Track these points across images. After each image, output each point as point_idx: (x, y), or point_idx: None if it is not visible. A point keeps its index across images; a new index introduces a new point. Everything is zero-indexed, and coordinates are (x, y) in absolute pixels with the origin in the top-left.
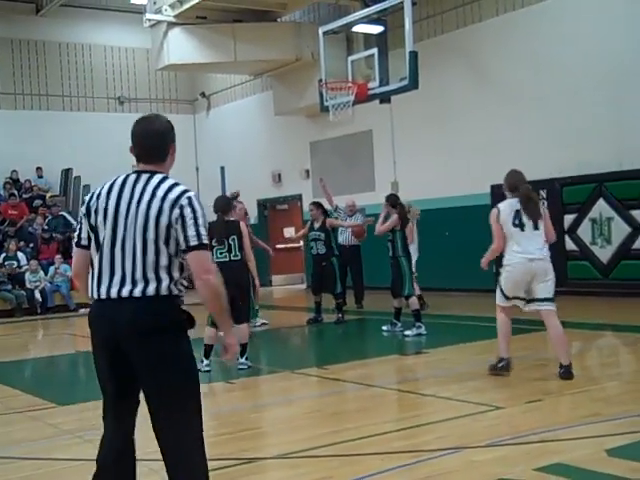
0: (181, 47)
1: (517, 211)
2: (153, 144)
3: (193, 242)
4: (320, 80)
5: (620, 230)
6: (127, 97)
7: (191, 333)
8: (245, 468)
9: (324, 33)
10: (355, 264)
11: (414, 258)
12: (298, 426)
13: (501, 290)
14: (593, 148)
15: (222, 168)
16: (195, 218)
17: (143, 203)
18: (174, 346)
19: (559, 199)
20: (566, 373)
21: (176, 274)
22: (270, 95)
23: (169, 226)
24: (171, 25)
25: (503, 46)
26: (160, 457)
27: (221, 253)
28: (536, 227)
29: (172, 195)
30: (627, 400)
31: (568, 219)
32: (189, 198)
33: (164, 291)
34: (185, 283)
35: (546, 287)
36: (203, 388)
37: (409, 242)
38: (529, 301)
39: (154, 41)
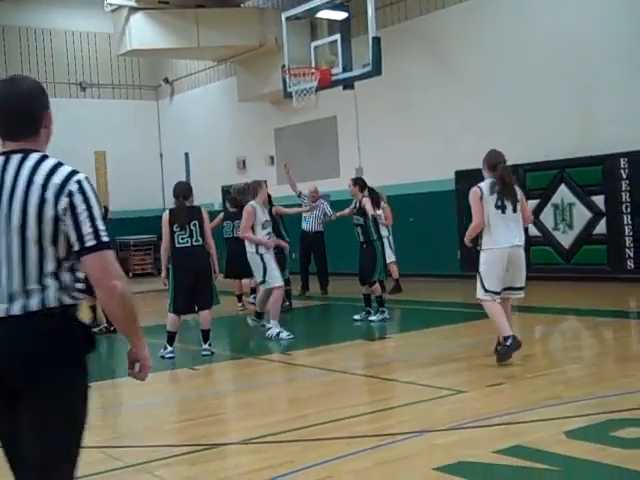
0: (143, 32)
1: (499, 192)
2: (22, 111)
3: (90, 242)
4: (283, 66)
5: (581, 216)
6: (89, 83)
7: (153, 320)
8: (207, 454)
9: (287, 19)
10: (318, 250)
11: (392, 242)
12: (261, 412)
13: (483, 287)
14: (556, 134)
15: (186, 154)
16: (89, 208)
17: (18, 193)
18: (65, 388)
19: (523, 185)
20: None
21: (66, 277)
22: (234, 81)
23: (56, 220)
24: (133, 10)
25: (466, 33)
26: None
27: (182, 238)
28: (514, 209)
29: (56, 179)
30: (587, 383)
31: (531, 204)
32: (79, 182)
33: (52, 302)
34: (81, 286)
35: (522, 275)
36: (167, 375)
37: (388, 224)
38: (504, 289)
39: (116, 26)
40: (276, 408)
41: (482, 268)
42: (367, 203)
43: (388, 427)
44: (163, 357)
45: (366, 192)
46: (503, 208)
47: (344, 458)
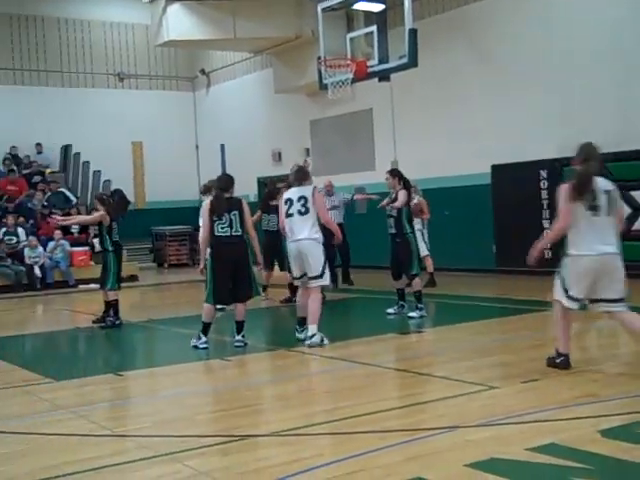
0: (180, 23)
1: (589, 192)
2: None
3: None
4: (319, 58)
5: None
6: (126, 73)
7: (189, 310)
8: (238, 445)
9: (323, 10)
10: (341, 243)
11: (426, 235)
12: (292, 404)
13: (565, 289)
14: (594, 128)
15: (222, 146)
16: None
17: None
18: None
19: (560, 179)
20: None
21: None
22: (270, 73)
23: None
24: (170, 1)
25: (504, 24)
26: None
27: (222, 228)
28: (610, 212)
29: None
30: (624, 381)
31: None
32: None
33: None
34: None
35: (617, 286)
36: (199, 365)
37: (425, 217)
38: (593, 301)
39: (153, 17)
40: (308, 401)
41: (564, 272)
42: (402, 195)
43: (420, 422)
44: (196, 347)
45: (403, 183)
46: (595, 209)
47: (375, 452)
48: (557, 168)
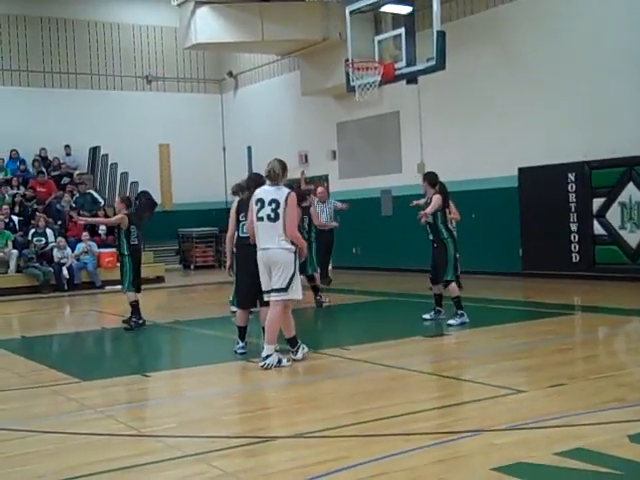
0: (209, 26)
1: None
2: None
3: None
4: (347, 60)
5: None
6: (155, 76)
7: (215, 312)
8: (264, 446)
9: (351, 12)
10: (331, 245)
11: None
12: (317, 406)
13: None
14: (623, 131)
15: (249, 148)
16: None
17: None
18: None
19: (588, 183)
20: None
21: None
22: (297, 75)
23: None
24: (199, 4)
25: (533, 26)
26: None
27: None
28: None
29: None
30: None
31: (597, 203)
32: None
33: None
34: None
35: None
36: (225, 367)
37: (455, 220)
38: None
39: (182, 20)
40: (333, 403)
41: None
42: (436, 200)
43: (446, 425)
44: (235, 352)
45: (437, 187)
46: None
47: (400, 455)
48: (586, 171)
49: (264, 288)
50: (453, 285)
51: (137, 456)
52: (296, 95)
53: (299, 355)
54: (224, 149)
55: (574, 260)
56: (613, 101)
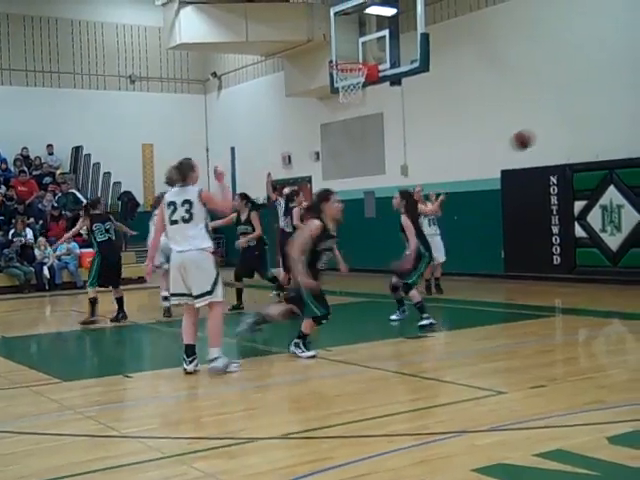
0: (193, 26)
1: None
2: None
3: None
4: (331, 61)
5: (630, 218)
6: (138, 76)
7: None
8: (246, 447)
9: (335, 14)
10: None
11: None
12: (300, 407)
13: None
14: (605, 135)
15: (232, 149)
16: None
17: None
18: None
19: (570, 185)
20: None
21: None
22: (281, 76)
23: None
24: (183, 4)
25: (516, 30)
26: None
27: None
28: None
29: None
30: (632, 388)
31: (579, 206)
32: None
33: None
34: None
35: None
36: (206, 367)
37: (433, 213)
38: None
39: (166, 20)
40: (315, 404)
41: None
42: (407, 225)
43: (427, 426)
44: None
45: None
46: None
47: (382, 456)
48: (568, 174)
49: (175, 291)
50: (413, 292)
51: (117, 457)
52: (280, 96)
53: (190, 367)
54: (207, 150)
55: (555, 262)
56: (596, 105)
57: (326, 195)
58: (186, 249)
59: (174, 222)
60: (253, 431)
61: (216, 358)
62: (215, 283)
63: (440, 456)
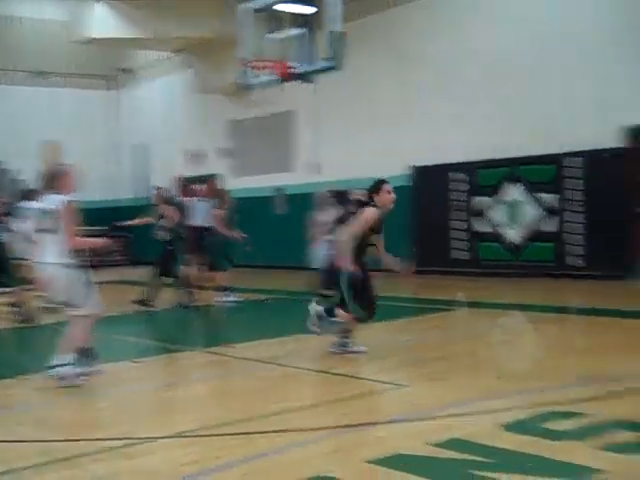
0: (101, 21)
1: None
2: None
3: None
4: (242, 58)
5: (531, 213)
6: (46, 71)
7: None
8: (140, 448)
9: (246, 10)
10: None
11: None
12: (198, 405)
13: None
14: (507, 132)
15: (142, 146)
16: None
17: None
18: None
19: (475, 181)
20: None
21: None
22: (191, 73)
23: None
24: None
25: (424, 29)
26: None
27: None
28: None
29: None
30: (526, 376)
31: (482, 201)
32: None
33: None
34: None
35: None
36: (105, 367)
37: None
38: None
39: (73, 14)
40: (214, 402)
41: None
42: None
43: (327, 420)
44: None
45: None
46: None
47: (278, 452)
48: (473, 170)
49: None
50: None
51: (7, 462)
52: (190, 93)
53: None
54: (116, 147)
55: (460, 257)
56: (499, 102)
57: (380, 185)
58: (45, 262)
59: (39, 230)
60: (145, 431)
61: (64, 365)
62: (80, 297)
63: (338, 449)
